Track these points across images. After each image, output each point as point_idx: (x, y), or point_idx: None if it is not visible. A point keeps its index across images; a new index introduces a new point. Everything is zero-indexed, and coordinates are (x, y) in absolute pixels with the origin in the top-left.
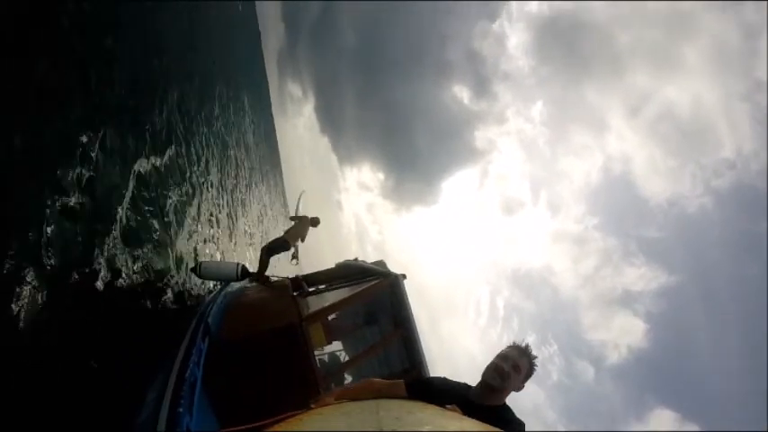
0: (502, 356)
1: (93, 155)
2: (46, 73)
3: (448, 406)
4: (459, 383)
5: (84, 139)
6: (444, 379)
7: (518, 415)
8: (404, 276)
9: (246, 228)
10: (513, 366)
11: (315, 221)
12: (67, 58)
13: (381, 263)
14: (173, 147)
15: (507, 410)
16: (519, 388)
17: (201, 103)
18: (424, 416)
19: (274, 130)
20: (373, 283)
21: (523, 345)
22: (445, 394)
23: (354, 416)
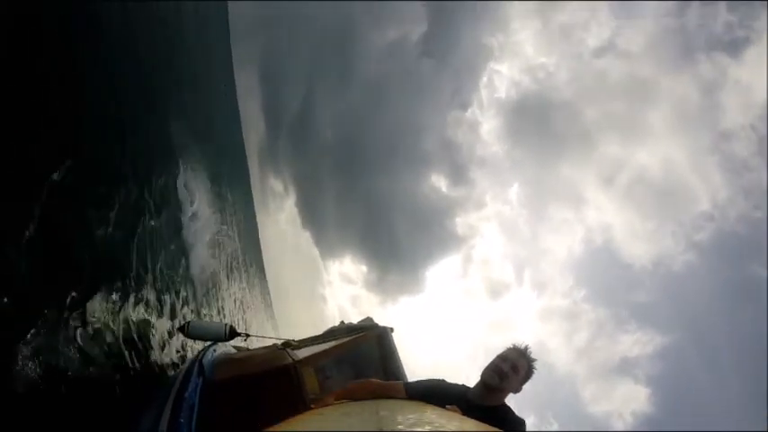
0: (501, 357)
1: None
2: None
3: (448, 406)
4: (457, 385)
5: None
6: (443, 381)
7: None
8: (392, 329)
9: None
10: (511, 367)
11: None
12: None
13: (369, 319)
14: (148, 219)
15: (507, 410)
16: (517, 389)
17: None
18: (423, 416)
19: (256, 226)
20: (361, 334)
21: (523, 346)
22: (444, 395)
23: (354, 416)
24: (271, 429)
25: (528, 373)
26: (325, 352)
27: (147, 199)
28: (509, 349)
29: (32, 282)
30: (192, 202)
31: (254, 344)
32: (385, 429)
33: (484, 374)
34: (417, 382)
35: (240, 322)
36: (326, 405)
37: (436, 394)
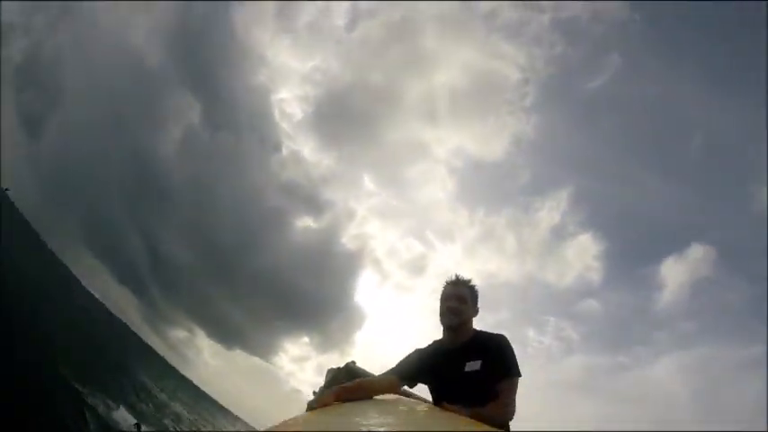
0: (444, 297)
1: None
2: None
3: (444, 404)
4: (430, 345)
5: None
6: (418, 350)
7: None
8: (353, 362)
9: None
10: (457, 299)
11: None
12: None
13: (330, 370)
14: None
15: (482, 334)
16: (475, 313)
17: None
18: (422, 415)
19: (190, 381)
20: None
21: (453, 277)
22: (430, 364)
23: (353, 416)
24: (271, 429)
25: (473, 294)
26: None
27: None
28: (445, 287)
29: None
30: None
31: None
32: (385, 429)
33: (442, 321)
34: (402, 363)
35: None
36: (326, 405)
37: (423, 365)
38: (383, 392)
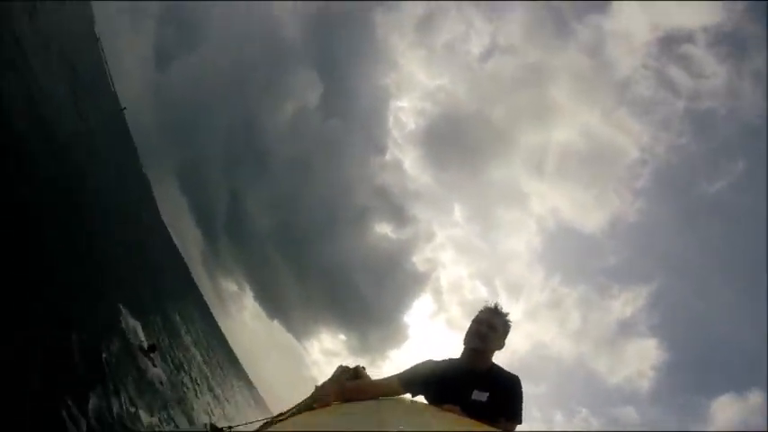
0: (477, 320)
1: None
2: None
3: (446, 406)
4: (444, 360)
5: None
6: (431, 361)
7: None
8: (363, 368)
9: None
10: (488, 326)
11: None
12: None
13: (339, 367)
14: None
15: (499, 369)
16: (500, 346)
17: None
18: (423, 416)
19: (222, 334)
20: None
21: (493, 305)
22: (439, 376)
23: (354, 416)
24: (271, 429)
25: (505, 327)
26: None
27: (100, 349)
28: (482, 311)
29: None
30: (137, 334)
31: None
32: (385, 429)
33: (466, 341)
34: (410, 370)
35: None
36: (326, 405)
37: (429, 374)
38: (383, 395)
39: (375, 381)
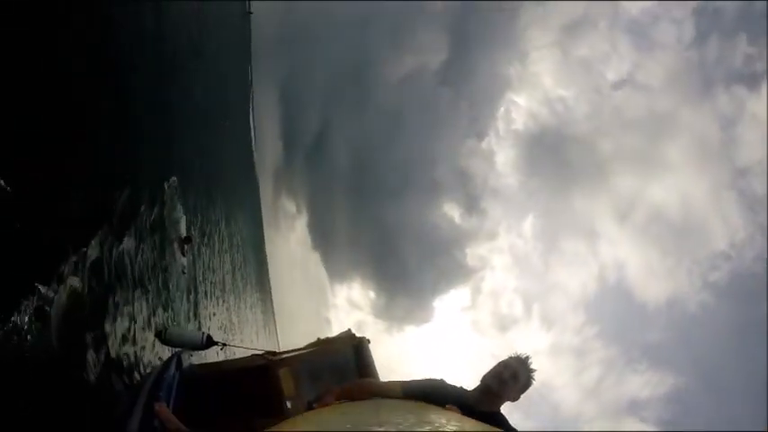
0: (503, 364)
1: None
2: None
3: (447, 406)
4: (455, 387)
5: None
6: (441, 381)
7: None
8: (368, 341)
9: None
10: (512, 375)
11: None
12: None
13: (347, 330)
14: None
15: (503, 419)
16: (515, 398)
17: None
18: (423, 416)
19: (263, 245)
20: (337, 341)
21: (524, 356)
22: (442, 396)
23: (355, 416)
24: (271, 429)
25: (527, 382)
26: (300, 356)
27: (140, 207)
28: (511, 357)
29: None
30: (185, 215)
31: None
32: (385, 429)
33: (485, 379)
34: (415, 381)
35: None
36: (326, 405)
37: (434, 395)
38: (385, 395)
39: (377, 383)
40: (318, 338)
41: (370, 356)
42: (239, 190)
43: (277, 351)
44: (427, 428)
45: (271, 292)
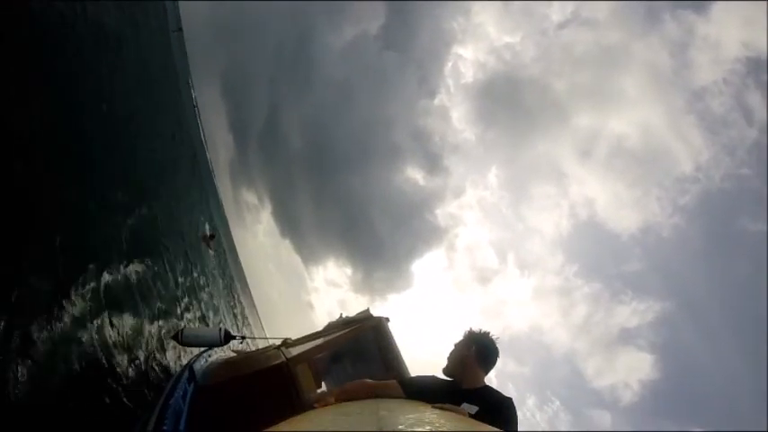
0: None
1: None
2: None
3: (446, 405)
4: (446, 380)
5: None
6: (434, 377)
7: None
8: (387, 319)
9: None
10: (450, 356)
11: None
12: None
13: (366, 311)
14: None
15: (491, 389)
16: (477, 372)
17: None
18: (423, 415)
19: (233, 244)
20: (356, 326)
21: (466, 332)
22: (437, 390)
23: (354, 415)
24: (271, 429)
25: (479, 354)
26: (319, 347)
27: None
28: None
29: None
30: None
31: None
32: (385, 429)
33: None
34: (412, 379)
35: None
36: (327, 405)
37: (430, 390)
38: (384, 395)
39: (375, 382)
40: (341, 315)
41: (391, 336)
42: (194, 194)
43: (290, 340)
44: (427, 428)
45: (249, 289)
